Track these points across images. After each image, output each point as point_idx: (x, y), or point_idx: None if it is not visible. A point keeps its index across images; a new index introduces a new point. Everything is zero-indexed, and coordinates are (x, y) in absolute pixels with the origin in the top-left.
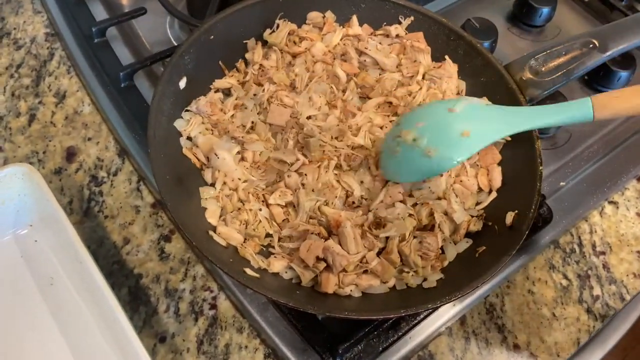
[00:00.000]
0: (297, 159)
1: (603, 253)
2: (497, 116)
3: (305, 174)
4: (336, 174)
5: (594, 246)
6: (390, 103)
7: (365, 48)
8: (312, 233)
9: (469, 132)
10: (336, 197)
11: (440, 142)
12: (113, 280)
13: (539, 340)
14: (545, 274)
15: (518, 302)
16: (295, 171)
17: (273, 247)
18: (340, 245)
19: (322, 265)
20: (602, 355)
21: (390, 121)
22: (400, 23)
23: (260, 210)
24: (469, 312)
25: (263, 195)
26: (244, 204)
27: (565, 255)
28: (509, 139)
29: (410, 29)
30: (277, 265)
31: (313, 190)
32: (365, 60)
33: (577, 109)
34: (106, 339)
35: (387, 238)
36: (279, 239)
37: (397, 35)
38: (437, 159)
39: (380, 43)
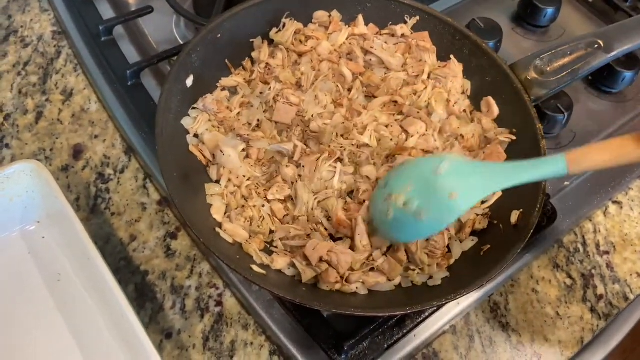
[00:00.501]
0: (295, 145)
1: (607, 252)
2: (479, 175)
3: (303, 166)
4: (332, 169)
5: (597, 246)
6: (396, 102)
7: (371, 47)
8: (315, 231)
9: (457, 194)
10: (333, 193)
11: (431, 206)
12: (120, 277)
13: (543, 339)
14: (549, 273)
15: (522, 300)
16: (293, 163)
17: (275, 246)
18: (352, 239)
19: (325, 266)
20: (604, 355)
21: (396, 120)
22: (406, 22)
23: (264, 206)
24: (473, 310)
25: (264, 191)
26: (247, 201)
27: (569, 254)
28: (514, 137)
29: (415, 28)
30: (280, 262)
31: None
32: (370, 60)
33: (552, 165)
34: (113, 335)
35: None
36: (281, 238)
37: (403, 35)
38: (429, 221)
39: (385, 42)
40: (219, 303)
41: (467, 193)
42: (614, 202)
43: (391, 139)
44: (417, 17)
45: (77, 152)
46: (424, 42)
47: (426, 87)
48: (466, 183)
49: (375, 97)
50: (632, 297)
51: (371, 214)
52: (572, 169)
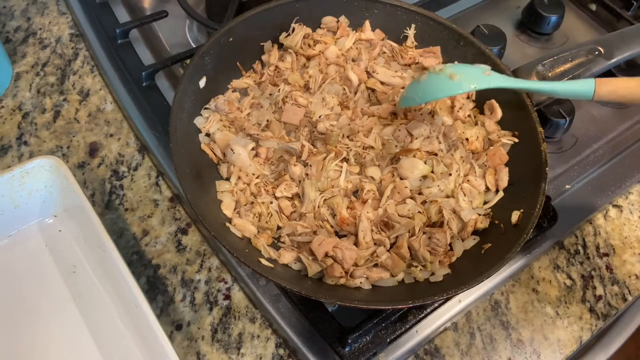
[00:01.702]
0: (303, 145)
1: (606, 255)
2: (516, 80)
3: (310, 165)
4: (338, 169)
5: (597, 248)
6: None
7: (374, 71)
8: (321, 227)
9: (490, 74)
10: (339, 192)
11: (464, 72)
12: (132, 270)
13: (542, 337)
14: (549, 274)
15: (523, 300)
16: (301, 162)
17: (282, 241)
18: (355, 235)
19: (330, 261)
20: (605, 359)
21: (401, 124)
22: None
23: (272, 203)
24: (474, 308)
25: (272, 189)
26: (256, 198)
27: (570, 256)
28: (517, 140)
29: (421, 34)
30: (287, 256)
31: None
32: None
33: (583, 84)
34: (126, 324)
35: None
36: (288, 234)
37: (412, 59)
38: (459, 81)
39: (389, 65)
40: (227, 297)
41: (499, 77)
42: (614, 206)
43: (396, 145)
44: (419, 24)
45: (93, 149)
46: (435, 54)
47: None
48: (503, 75)
49: (379, 102)
50: (630, 298)
51: (399, 99)
52: (599, 88)
